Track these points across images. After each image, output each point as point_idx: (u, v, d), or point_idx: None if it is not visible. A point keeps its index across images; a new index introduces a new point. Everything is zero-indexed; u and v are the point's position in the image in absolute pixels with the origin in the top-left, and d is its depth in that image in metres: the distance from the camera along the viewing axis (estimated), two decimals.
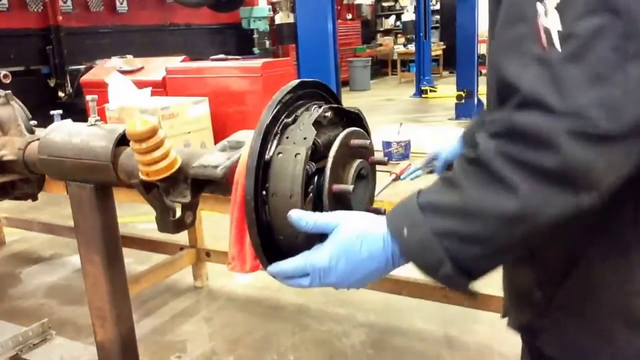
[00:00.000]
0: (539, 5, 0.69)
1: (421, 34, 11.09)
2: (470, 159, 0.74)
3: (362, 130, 1.06)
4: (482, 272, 0.79)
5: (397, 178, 2.08)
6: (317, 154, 0.95)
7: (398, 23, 16.16)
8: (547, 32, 0.68)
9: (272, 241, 0.96)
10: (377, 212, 1.07)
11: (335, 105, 1.06)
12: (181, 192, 1.25)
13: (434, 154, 1.84)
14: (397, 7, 16.83)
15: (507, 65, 0.72)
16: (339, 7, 14.21)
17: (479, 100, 8.60)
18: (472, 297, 0.79)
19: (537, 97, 0.68)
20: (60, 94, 8.09)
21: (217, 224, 3.49)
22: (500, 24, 0.76)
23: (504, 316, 1.08)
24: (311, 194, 0.94)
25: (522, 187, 0.69)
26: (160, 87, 4.11)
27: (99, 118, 1.51)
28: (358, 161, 1.01)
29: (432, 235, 0.75)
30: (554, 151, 0.67)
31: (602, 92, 0.66)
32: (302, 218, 0.86)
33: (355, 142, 0.99)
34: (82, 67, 7.64)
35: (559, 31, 0.68)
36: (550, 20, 0.68)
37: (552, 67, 0.67)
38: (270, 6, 10.62)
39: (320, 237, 0.89)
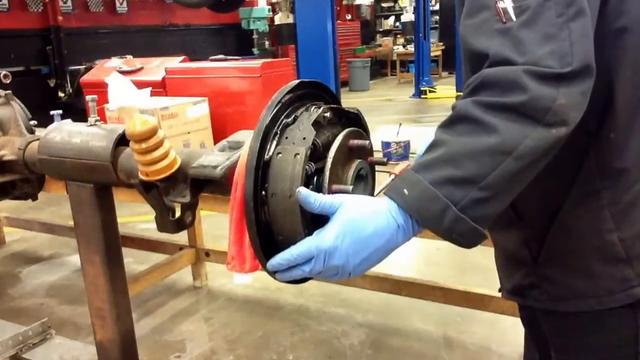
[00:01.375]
0: None
1: (420, 35, 11.10)
2: (449, 120, 0.85)
3: (361, 131, 1.06)
4: (485, 216, 0.82)
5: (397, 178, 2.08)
6: (317, 154, 0.96)
7: (397, 24, 16.17)
8: (505, 10, 0.82)
9: (271, 241, 0.96)
10: None
11: (335, 106, 1.06)
12: (181, 192, 1.25)
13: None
14: (397, 8, 16.83)
15: (476, 42, 0.86)
16: (338, 8, 14.21)
17: None
18: (482, 238, 0.82)
19: (502, 57, 0.81)
20: (60, 94, 8.09)
21: (217, 223, 3.50)
22: (466, 13, 0.89)
23: (500, 290, 1.19)
24: None
25: (499, 125, 0.79)
26: (160, 88, 4.11)
27: (98, 118, 1.51)
28: (357, 161, 1.01)
29: (430, 187, 0.81)
30: (521, 90, 0.78)
31: (553, 46, 0.79)
32: (311, 195, 0.87)
33: (354, 142, 1.00)
34: (82, 67, 7.64)
35: (513, 7, 0.82)
36: (506, 2, 0.83)
37: (511, 34, 0.81)
38: (269, 7, 10.63)
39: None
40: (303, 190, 0.87)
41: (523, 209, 1.03)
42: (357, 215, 0.84)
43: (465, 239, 0.83)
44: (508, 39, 0.81)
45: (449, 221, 0.80)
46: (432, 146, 0.85)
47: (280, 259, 0.89)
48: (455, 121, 0.84)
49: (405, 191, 0.83)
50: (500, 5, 0.83)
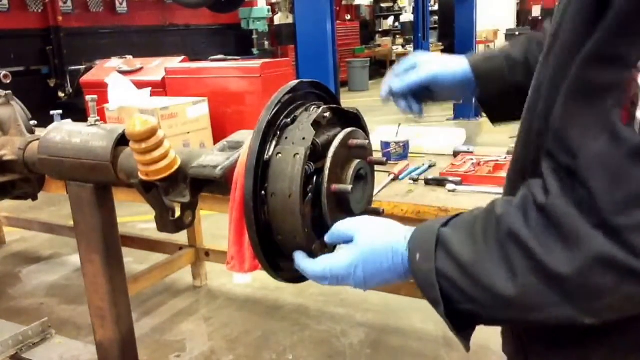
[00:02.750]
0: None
1: (420, 35, 11.09)
2: (497, 220, 0.69)
3: (360, 131, 1.07)
4: (474, 324, 0.77)
5: (396, 178, 2.09)
6: (316, 154, 0.96)
7: (397, 24, 16.18)
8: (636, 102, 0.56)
9: (271, 241, 0.96)
10: (376, 212, 1.07)
11: (334, 106, 1.06)
12: (180, 192, 1.25)
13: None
14: (396, 8, 16.83)
15: (572, 132, 0.62)
16: (337, 8, 14.20)
17: None
18: (464, 345, 0.78)
19: (586, 183, 0.59)
20: (60, 94, 8.09)
21: (217, 223, 3.50)
22: (577, 79, 0.63)
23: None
24: (310, 194, 0.95)
25: (521, 279, 0.64)
26: (160, 88, 4.11)
27: (98, 118, 1.51)
28: (357, 161, 1.02)
29: (435, 274, 0.73)
30: (573, 258, 0.60)
31: None
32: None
33: (354, 142, 1.00)
34: (81, 67, 7.63)
35: None
36: None
37: (618, 155, 0.57)
38: (269, 7, 10.63)
39: (321, 234, 0.90)
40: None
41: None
42: (374, 249, 0.82)
43: (450, 329, 0.77)
44: (611, 160, 0.57)
45: (439, 312, 0.76)
46: (470, 229, 0.72)
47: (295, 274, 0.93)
48: (494, 229, 0.68)
49: (418, 257, 0.76)
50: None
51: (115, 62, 5.21)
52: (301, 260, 0.92)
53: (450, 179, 1.97)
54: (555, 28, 0.71)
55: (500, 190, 1.85)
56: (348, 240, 0.85)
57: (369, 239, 0.83)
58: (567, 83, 0.63)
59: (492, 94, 1.17)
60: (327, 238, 0.89)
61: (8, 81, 6.96)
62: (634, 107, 0.55)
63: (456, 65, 1.18)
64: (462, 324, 0.76)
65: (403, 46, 14.30)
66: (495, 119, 1.22)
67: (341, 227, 0.87)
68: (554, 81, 0.68)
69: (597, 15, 0.60)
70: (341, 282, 0.85)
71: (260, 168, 0.93)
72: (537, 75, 0.77)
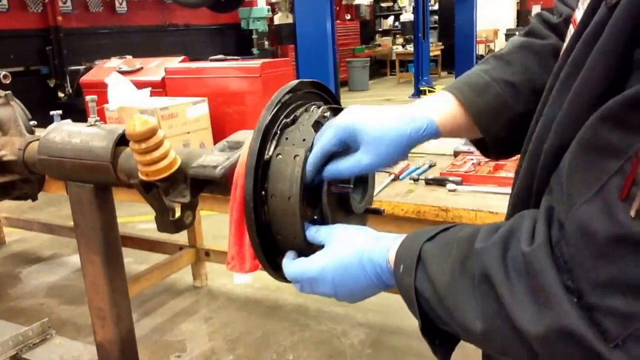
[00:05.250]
0: None
1: (420, 35, 11.10)
2: (474, 254, 0.66)
3: None
4: (452, 344, 0.76)
5: (396, 178, 2.09)
6: None
7: (397, 23, 16.18)
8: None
9: (271, 241, 0.96)
10: (376, 212, 1.07)
11: (334, 106, 1.06)
12: (180, 192, 1.25)
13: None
14: (396, 8, 16.84)
15: (576, 172, 0.59)
16: (337, 8, 14.21)
17: None
18: None
19: (571, 246, 0.57)
20: (60, 94, 8.10)
21: (217, 223, 3.50)
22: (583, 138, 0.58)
23: None
24: (310, 195, 0.94)
25: (489, 320, 0.63)
26: (160, 88, 4.12)
27: (98, 118, 1.51)
28: None
29: (414, 290, 0.72)
30: (540, 320, 0.57)
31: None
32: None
33: None
34: (81, 67, 7.65)
35: None
36: None
37: (606, 233, 0.53)
38: (269, 7, 10.63)
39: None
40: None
41: None
42: (348, 255, 0.82)
43: (431, 348, 0.76)
44: (594, 244, 0.55)
45: (420, 328, 0.74)
46: (451, 252, 0.70)
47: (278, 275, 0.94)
48: (476, 272, 0.65)
49: (401, 269, 0.74)
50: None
51: (115, 62, 5.21)
52: (285, 259, 0.92)
53: (451, 178, 1.97)
54: (576, 58, 0.64)
55: (501, 190, 1.86)
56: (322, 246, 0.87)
57: (344, 246, 0.84)
58: (582, 130, 0.59)
59: (494, 131, 0.92)
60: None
61: (8, 81, 6.97)
62: (636, 185, 0.52)
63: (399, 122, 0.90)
64: (442, 338, 0.75)
65: (403, 46, 14.31)
66: (501, 154, 0.98)
67: (316, 234, 0.89)
68: (570, 121, 0.62)
69: (628, 64, 0.55)
70: (314, 286, 0.85)
71: (261, 168, 0.93)
72: (548, 104, 0.69)
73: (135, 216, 4.32)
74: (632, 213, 0.52)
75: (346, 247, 0.84)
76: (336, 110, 1.05)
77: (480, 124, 0.90)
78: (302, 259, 0.89)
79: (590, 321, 0.54)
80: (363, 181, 1.05)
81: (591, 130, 0.57)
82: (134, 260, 3.65)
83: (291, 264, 0.90)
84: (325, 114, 0.99)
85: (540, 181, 0.68)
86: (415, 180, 2.05)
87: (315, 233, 0.90)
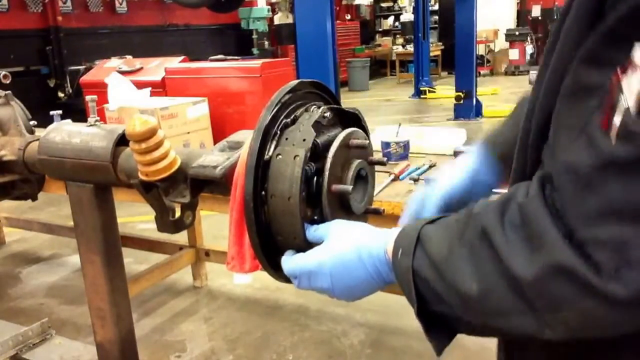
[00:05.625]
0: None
1: (420, 35, 11.10)
2: (473, 218, 0.68)
3: (361, 131, 1.06)
4: (450, 331, 0.74)
5: (396, 178, 2.09)
6: (317, 154, 0.96)
7: (397, 23, 16.16)
8: (614, 109, 0.53)
9: (271, 241, 0.96)
10: (376, 212, 1.07)
11: (334, 106, 1.06)
12: (180, 192, 1.25)
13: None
14: (396, 8, 16.83)
15: (560, 122, 0.61)
16: (337, 8, 14.21)
17: (477, 101, 8.61)
18: (435, 349, 0.76)
19: (559, 188, 0.58)
20: (60, 94, 8.10)
21: (217, 223, 3.50)
22: (568, 86, 0.61)
23: None
24: (310, 195, 0.94)
25: (485, 279, 0.63)
26: (160, 88, 4.12)
27: (98, 118, 1.51)
28: (357, 161, 1.01)
29: (411, 272, 0.71)
30: (534, 262, 0.58)
31: (615, 230, 0.54)
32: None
33: (354, 142, 1.00)
34: (81, 67, 7.65)
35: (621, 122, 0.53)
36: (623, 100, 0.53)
37: (591, 164, 0.55)
38: (269, 7, 10.63)
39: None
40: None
41: None
42: (346, 249, 0.83)
43: (425, 332, 0.74)
44: (579, 177, 0.56)
45: (415, 312, 0.72)
46: (451, 227, 0.71)
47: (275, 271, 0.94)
48: (475, 233, 0.65)
49: (400, 254, 0.74)
50: (617, 97, 0.53)
51: (115, 62, 5.21)
52: (284, 257, 0.92)
53: None
54: (552, 41, 0.68)
55: (500, 190, 1.85)
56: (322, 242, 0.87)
57: (342, 240, 0.84)
58: (564, 83, 0.61)
59: None
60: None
61: (8, 81, 6.97)
62: (613, 112, 0.53)
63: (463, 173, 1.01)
64: (438, 328, 0.74)
65: (403, 46, 14.31)
66: None
67: (315, 232, 0.90)
68: (551, 92, 0.65)
69: (595, 21, 0.58)
70: (312, 280, 0.85)
71: (261, 168, 0.93)
72: (535, 80, 0.73)
73: (135, 216, 4.32)
74: (613, 138, 0.52)
75: (345, 241, 0.84)
76: (336, 111, 1.05)
77: None
78: (301, 254, 0.89)
79: (583, 256, 0.55)
80: (363, 181, 1.05)
81: (571, 79, 0.59)
82: (134, 260, 3.65)
83: (289, 259, 0.90)
84: (325, 114, 0.99)
85: (532, 160, 0.70)
86: (415, 180, 2.05)
87: (314, 232, 0.90)
